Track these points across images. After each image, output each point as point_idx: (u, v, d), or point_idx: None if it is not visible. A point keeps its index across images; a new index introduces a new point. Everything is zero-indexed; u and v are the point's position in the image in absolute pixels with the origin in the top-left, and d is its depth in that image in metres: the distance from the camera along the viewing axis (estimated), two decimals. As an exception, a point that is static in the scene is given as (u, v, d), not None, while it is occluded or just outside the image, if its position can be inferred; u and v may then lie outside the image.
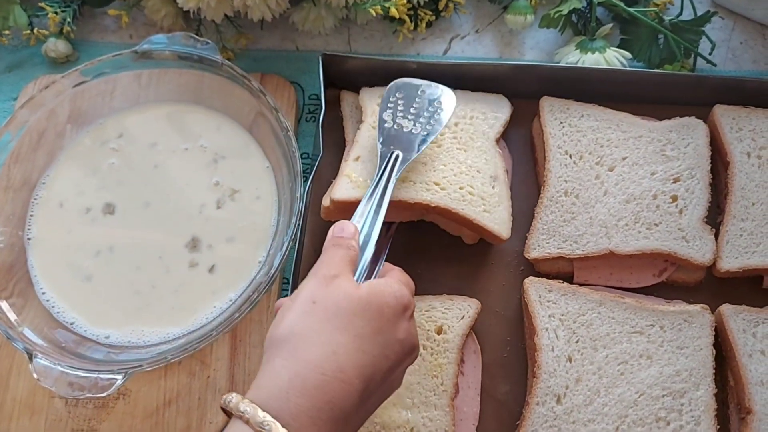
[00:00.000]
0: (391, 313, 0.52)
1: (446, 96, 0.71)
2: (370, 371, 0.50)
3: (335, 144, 0.79)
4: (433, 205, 0.69)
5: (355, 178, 0.71)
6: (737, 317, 0.66)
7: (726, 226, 0.70)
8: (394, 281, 0.55)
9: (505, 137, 0.77)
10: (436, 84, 0.72)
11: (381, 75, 0.78)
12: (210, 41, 0.74)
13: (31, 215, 0.74)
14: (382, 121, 0.69)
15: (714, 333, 0.66)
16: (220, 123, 0.77)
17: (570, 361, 0.64)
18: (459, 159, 0.72)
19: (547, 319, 0.66)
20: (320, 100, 0.74)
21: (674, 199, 0.70)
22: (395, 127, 0.68)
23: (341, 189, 0.70)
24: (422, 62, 0.76)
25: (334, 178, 0.73)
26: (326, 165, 0.77)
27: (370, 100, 0.76)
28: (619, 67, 0.78)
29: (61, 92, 0.74)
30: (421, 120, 0.69)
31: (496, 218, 0.70)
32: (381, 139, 0.67)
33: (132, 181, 0.75)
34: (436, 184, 0.70)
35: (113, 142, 0.77)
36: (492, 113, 0.75)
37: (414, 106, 0.70)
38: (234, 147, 0.76)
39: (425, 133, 0.68)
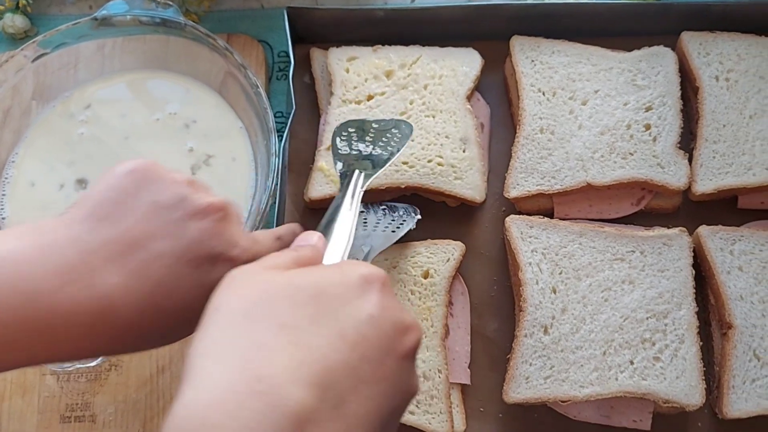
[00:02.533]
0: (341, 290, 0.38)
1: (403, 124, 0.68)
2: (322, 367, 0.34)
3: (310, 103, 0.78)
4: (404, 186, 0.71)
5: (329, 171, 0.71)
6: (714, 237, 0.67)
7: (699, 150, 0.71)
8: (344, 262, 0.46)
9: (479, 86, 0.77)
10: (390, 119, 0.71)
11: (349, 26, 0.77)
12: (171, 2, 0.73)
13: (3, 194, 0.72)
14: (336, 148, 0.66)
15: (693, 254, 0.67)
16: (189, 87, 0.76)
17: (554, 293, 0.65)
18: (427, 128, 0.73)
19: (530, 254, 0.67)
20: (289, 56, 0.74)
21: (647, 127, 0.71)
22: (353, 152, 0.66)
23: (316, 186, 0.72)
24: (389, 9, 0.75)
25: (315, 151, 0.74)
26: (302, 122, 0.77)
27: (338, 65, 0.76)
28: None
29: (21, 67, 0.72)
30: (380, 144, 0.66)
31: (468, 183, 0.71)
32: (338, 165, 0.64)
33: (103, 153, 0.74)
34: (404, 163, 0.72)
35: (81, 114, 0.75)
36: (461, 68, 0.75)
37: (369, 134, 0.68)
38: (205, 110, 0.75)
39: (386, 154, 0.65)
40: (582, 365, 0.63)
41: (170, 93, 0.76)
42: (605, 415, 0.65)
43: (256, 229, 0.67)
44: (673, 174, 0.70)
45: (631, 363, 0.63)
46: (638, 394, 0.63)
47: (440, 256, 0.69)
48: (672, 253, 0.67)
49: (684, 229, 0.68)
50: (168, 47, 0.75)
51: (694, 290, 0.66)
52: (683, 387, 0.63)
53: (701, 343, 0.65)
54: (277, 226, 0.70)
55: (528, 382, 0.63)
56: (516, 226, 0.68)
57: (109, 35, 0.75)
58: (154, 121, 0.75)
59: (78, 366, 0.62)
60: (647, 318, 0.64)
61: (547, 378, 0.63)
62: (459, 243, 0.70)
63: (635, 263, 0.66)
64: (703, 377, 0.64)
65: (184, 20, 0.73)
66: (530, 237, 0.67)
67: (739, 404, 0.63)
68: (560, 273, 0.66)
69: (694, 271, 0.67)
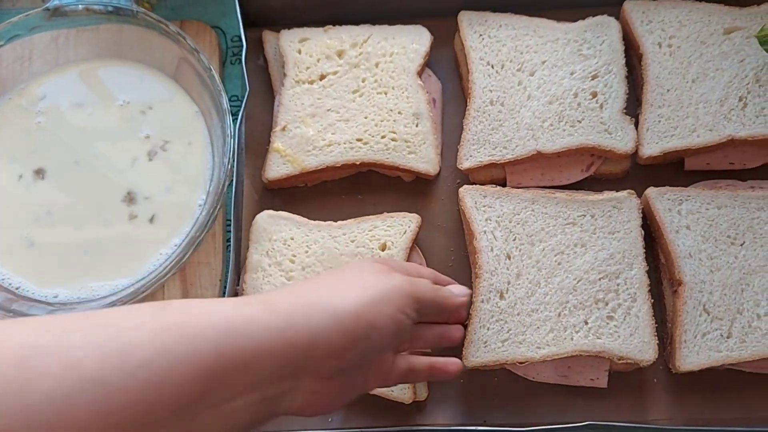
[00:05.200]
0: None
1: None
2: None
3: (264, 85, 0.80)
4: (358, 163, 0.72)
5: (285, 152, 0.72)
6: (662, 198, 0.69)
7: (644, 115, 0.72)
8: None
9: (430, 62, 0.78)
10: None
11: (300, 8, 0.79)
12: (122, -9, 0.74)
13: (-37, 188, 0.73)
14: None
15: (642, 216, 0.69)
16: (143, 75, 0.77)
17: (509, 259, 0.67)
18: (380, 105, 0.74)
19: (484, 222, 0.68)
20: (242, 40, 0.74)
21: (594, 95, 0.73)
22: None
23: (273, 167, 0.73)
24: (338, -13, 0.76)
25: (270, 132, 0.75)
26: (257, 105, 0.78)
27: (291, 46, 0.77)
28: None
29: (-25, 60, 0.73)
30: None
31: (422, 157, 0.73)
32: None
33: (60, 142, 0.75)
34: (359, 140, 0.73)
35: (37, 106, 0.76)
36: (412, 45, 0.76)
37: None
38: (160, 97, 0.76)
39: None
40: (538, 327, 0.65)
41: (125, 81, 0.77)
42: (563, 375, 0.67)
43: (214, 212, 0.68)
44: (620, 139, 0.72)
45: (586, 323, 0.65)
46: (593, 353, 0.64)
47: (397, 228, 0.71)
48: (621, 215, 0.68)
49: (632, 191, 0.70)
50: (121, 36, 0.76)
51: (644, 250, 0.68)
52: (637, 344, 0.65)
53: (653, 301, 0.67)
54: (234, 206, 0.71)
55: (486, 346, 0.65)
56: (470, 195, 0.69)
57: (62, 26, 0.75)
58: (109, 110, 0.76)
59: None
60: (599, 279, 0.66)
61: (504, 341, 0.65)
62: (415, 215, 0.71)
63: (586, 227, 0.68)
64: (656, 334, 0.66)
65: (137, 8, 0.74)
66: (484, 206, 0.69)
67: (691, 358, 0.65)
68: (514, 239, 0.67)
69: (643, 232, 0.69)
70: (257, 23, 0.80)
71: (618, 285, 0.66)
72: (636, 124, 0.73)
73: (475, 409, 0.68)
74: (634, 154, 0.72)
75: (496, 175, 0.73)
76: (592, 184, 0.74)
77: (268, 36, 0.79)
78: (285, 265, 0.70)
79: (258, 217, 0.72)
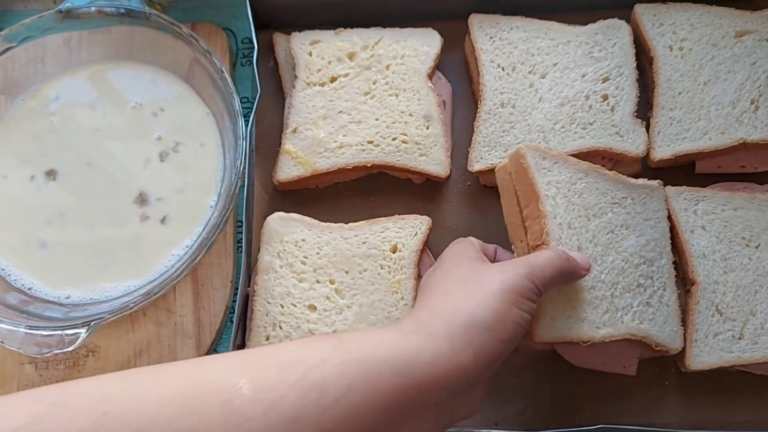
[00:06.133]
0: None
1: None
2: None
3: (275, 88, 0.80)
4: (369, 165, 0.73)
5: (296, 153, 0.73)
6: (679, 197, 0.69)
7: (656, 118, 0.73)
8: None
9: (440, 65, 0.79)
10: None
11: (311, 10, 0.79)
12: (134, -7, 0.74)
13: (-24, 188, 0.73)
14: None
15: (666, 208, 0.68)
16: (155, 76, 0.77)
17: (570, 229, 0.63)
18: (391, 107, 0.74)
19: (546, 186, 0.63)
20: (253, 42, 0.75)
21: (605, 97, 0.73)
22: None
23: (284, 169, 0.74)
24: (349, -10, 0.77)
25: (281, 134, 0.76)
26: (268, 107, 0.78)
27: (301, 49, 0.77)
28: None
29: (-12, 61, 0.74)
30: None
31: (433, 159, 0.73)
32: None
33: (72, 144, 0.75)
34: (370, 142, 0.73)
35: (50, 107, 0.76)
36: (423, 48, 0.77)
37: None
38: (172, 99, 0.76)
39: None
40: (596, 306, 0.61)
41: (137, 83, 0.77)
42: (602, 361, 0.66)
43: (226, 213, 0.68)
44: (631, 142, 0.72)
45: (632, 306, 0.62)
46: (638, 337, 0.62)
47: (408, 230, 0.71)
48: (653, 203, 0.67)
49: (661, 182, 0.69)
50: (133, 38, 0.76)
51: (671, 242, 0.67)
52: (669, 332, 0.64)
53: (678, 291, 0.66)
54: (246, 207, 0.71)
55: (553, 322, 0.60)
56: (531, 155, 0.63)
57: (74, 28, 0.75)
58: (121, 112, 0.76)
59: (56, 351, 0.63)
60: (641, 264, 0.64)
61: (569, 317, 0.60)
62: (426, 217, 0.71)
63: (629, 209, 0.65)
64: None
65: (149, 10, 0.74)
66: (544, 168, 0.64)
67: (702, 357, 0.65)
68: (573, 209, 0.63)
69: (669, 224, 0.68)
70: (268, 25, 0.80)
71: (653, 272, 0.65)
72: (647, 127, 0.73)
73: (487, 411, 0.68)
74: (645, 157, 0.72)
75: (507, 177, 0.74)
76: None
77: (278, 38, 0.80)
78: (296, 267, 0.70)
79: (269, 218, 0.72)
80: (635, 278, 0.64)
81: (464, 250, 0.59)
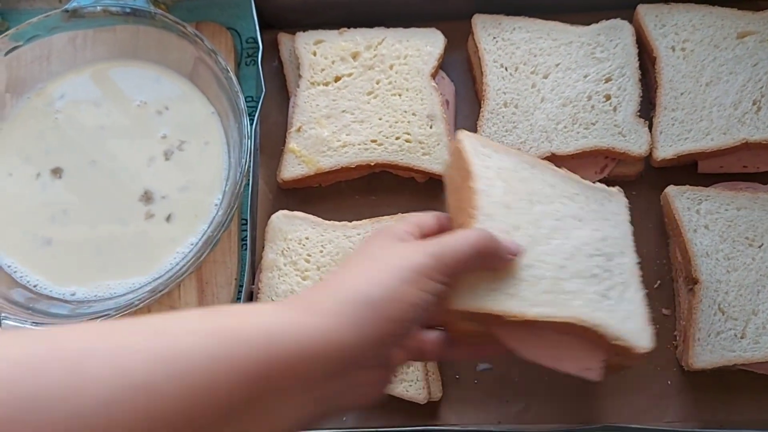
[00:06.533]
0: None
1: None
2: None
3: (279, 87, 0.80)
4: (373, 164, 0.73)
5: (300, 152, 0.73)
6: (682, 197, 0.70)
7: (658, 118, 0.73)
8: None
9: (444, 65, 0.79)
10: None
11: (315, 10, 0.79)
12: (140, -8, 0.74)
13: (-18, 186, 0.74)
14: None
15: (629, 214, 0.64)
16: (160, 75, 0.78)
17: (508, 209, 0.58)
18: (395, 106, 0.75)
19: (483, 168, 0.59)
20: (257, 42, 0.75)
21: (608, 97, 0.73)
22: None
23: (288, 168, 0.74)
24: (353, -9, 0.77)
25: (285, 133, 0.76)
26: (272, 106, 0.79)
27: (306, 48, 0.77)
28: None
29: (-6, 60, 0.74)
30: None
31: (436, 158, 0.73)
32: None
33: (77, 142, 0.75)
34: (373, 141, 0.74)
35: (55, 105, 0.77)
36: (426, 48, 0.77)
37: None
38: (176, 97, 0.77)
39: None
40: (534, 284, 0.57)
41: (142, 81, 0.77)
42: (558, 359, 0.60)
43: (231, 211, 0.68)
44: (634, 142, 0.72)
45: (584, 293, 0.58)
46: (590, 326, 0.57)
47: (411, 229, 0.71)
48: (613, 206, 0.64)
49: (621, 189, 0.65)
50: (138, 37, 0.77)
51: (634, 246, 0.62)
52: (631, 328, 0.58)
53: (646, 291, 0.61)
54: (250, 206, 0.71)
55: (474, 292, 0.55)
56: (469, 141, 0.60)
57: (80, 27, 0.76)
58: (126, 110, 0.76)
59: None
60: (596, 255, 0.60)
61: (495, 290, 0.55)
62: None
63: (582, 205, 0.62)
64: (653, 324, 0.60)
65: (154, 9, 0.74)
66: (483, 154, 0.61)
67: (704, 356, 0.65)
68: (514, 194, 0.60)
69: (632, 228, 0.63)
70: (272, 25, 0.80)
71: (612, 267, 0.60)
72: (650, 127, 0.73)
73: (490, 409, 0.69)
74: (648, 157, 0.73)
75: (510, 176, 0.74)
76: (606, 185, 0.74)
77: (283, 38, 0.80)
78: (300, 265, 0.70)
79: (273, 216, 0.72)
80: (589, 267, 0.59)
81: (390, 228, 0.53)
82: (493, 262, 0.54)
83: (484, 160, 0.61)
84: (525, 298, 0.57)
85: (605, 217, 0.63)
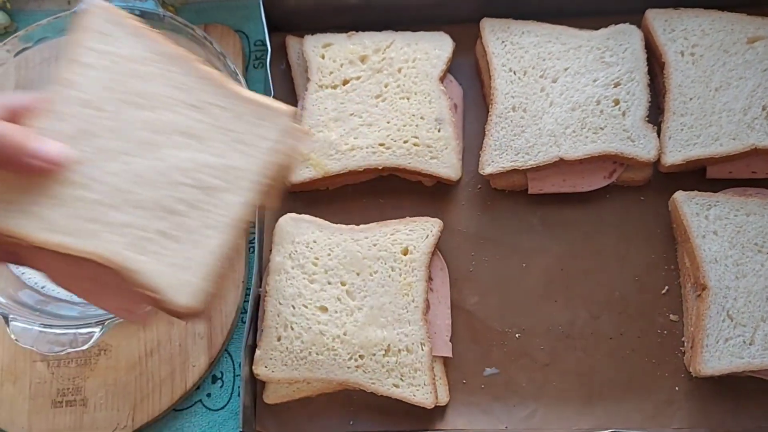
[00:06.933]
0: None
1: None
2: None
3: (287, 90, 0.80)
4: (381, 167, 0.73)
5: (308, 155, 0.73)
6: (690, 202, 0.69)
7: (667, 123, 0.73)
8: None
9: (452, 68, 0.79)
10: None
11: (323, 13, 0.79)
12: (149, -5, 0.75)
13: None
14: None
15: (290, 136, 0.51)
16: (169, 77, 0.77)
17: (90, 109, 0.49)
18: (402, 110, 0.75)
19: (91, 52, 0.50)
20: (266, 45, 0.75)
21: (616, 102, 0.73)
22: None
23: (296, 171, 0.73)
24: (362, -5, 0.77)
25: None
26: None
27: (314, 52, 0.77)
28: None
29: (4, 62, 0.74)
30: None
31: (444, 162, 0.73)
32: None
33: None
34: (381, 145, 0.74)
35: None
36: (434, 51, 0.77)
37: None
38: (185, 99, 0.76)
39: None
40: (64, 206, 0.48)
41: (150, 84, 0.77)
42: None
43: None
44: (642, 147, 0.72)
45: (130, 227, 0.48)
46: (115, 265, 0.47)
47: (419, 232, 0.71)
48: (263, 130, 0.51)
49: (293, 109, 0.52)
50: (147, 39, 0.76)
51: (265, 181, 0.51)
52: (177, 279, 0.48)
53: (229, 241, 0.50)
54: (258, 210, 0.71)
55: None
56: (98, 11, 0.51)
57: (89, 29, 0.76)
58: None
59: (69, 350, 0.63)
60: (189, 185, 0.49)
61: (8, 202, 0.47)
62: (437, 220, 0.72)
63: (213, 120, 0.50)
64: (660, 330, 0.64)
65: (163, 11, 0.74)
66: (105, 33, 0.51)
67: (712, 362, 0.65)
68: (113, 90, 0.50)
69: (276, 161, 0.50)
70: (280, 28, 0.80)
71: (203, 203, 0.49)
72: (658, 132, 0.73)
73: (497, 414, 0.68)
74: (656, 162, 0.72)
75: (518, 180, 0.74)
76: (614, 190, 0.75)
77: (291, 41, 0.80)
78: (308, 268, 0.70)
79: (281, 219, 0.72)
80: (164, 198, 0.48)
81: None
82: (12, 164, 0.45)
83: (102, 40, 0.50)
84: (48, 221, 0.47)
85: (243, 140, 0.50)
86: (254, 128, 0.50)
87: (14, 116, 0.46)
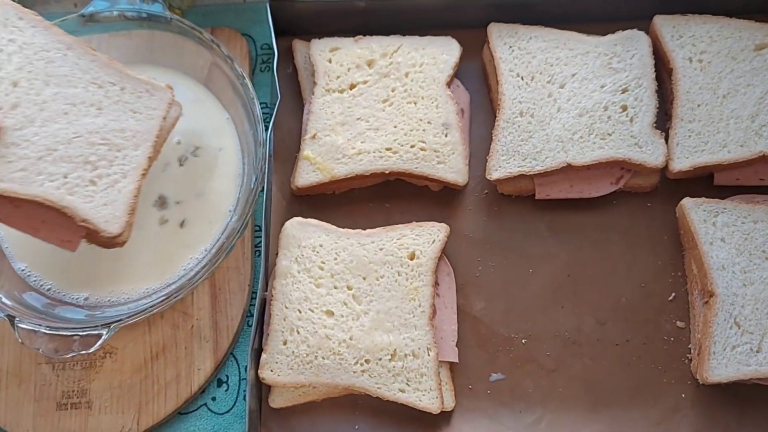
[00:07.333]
0: None
1: None
2: None
3: (293, 94, 0.80)
4: (387, 171, 0.73)
5: (315, 159, 0.73)
6: (698, 209, 0.69)
7: (675, 129, 0.73)
8: None
9: (459, 73, 0.79)
10: None
11: (330, 17, 0.79)
12: (157, -1, 0.75)
13: None
14: None
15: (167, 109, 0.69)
16: (174, 80, 0.77)
17: (16, 86, 0.63)
18: (410, 114, 0.74)
19: (6, 42, 0.64)
20: (272, 48, 0.75)
21: (624, 108, 0.73)
22: None
23: (302, 175, 0.74)
24: (370, 0, 0.77)
25: (300, 140, 0.76)
26: (286, 113, 0.79)
27: (321, 56, 0.77)
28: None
29: (10, 64, 0.74)
30: None
31: (451, 167, 0.73)
32: None
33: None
34: (388, 149, 0.73)
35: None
36: (441, 56, 0.77)
37: None
38: (191, 102, 0.76)
39: None
40: (10, 162, 0.61)
41: (157, 86, 0.77)
42: (34, 228, 0.65)
43: (246, 217, 0.68)
44: (650, 153, 0.72)
45: (63, 176, 0.62)
46: (57, 205, 0.61)
47: (425, 237, 0.71)
48: (151, 101, 0.68)
49: (171, 87, 0.69)
50: (154, 42, 0.77)
51: (152, 142, 0.67)
52: (106, 214, 0.63)
53: (139, 185, 0.65)
54: (264, 212, 0.71)
55: None
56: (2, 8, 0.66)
57: (95, 31, 0.76)
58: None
59: (74, 353, 0.63)
60: (101, 144, 0.64)
61: None
62: (443, 225, 0.71)
63: (112, 94, 0.66)
64: (667, 337, 0.65)
65: (170, 14, 0.74)
66: (14, 27, 0.65)
67: (719, 370, 0.65)
68: (29, 72, 0.64)
69: (163, 124, 0.68)
70: (287, 32, 0.80)
71: (115, 158, 0.65)
72: (666, 139, 0.73)
73: (503, 420, 0.68)
74: (664, 169, 0.72)
75: (525, 186, 0.74)
76: (621, 196, 0.74)
77: (298, 45, 0.80)
78: (314, 272, 0.70)
79: (288, 223, 0.72)
80: (85, 154, 0.64)
81: None
82: None
83: (11, 33, 0.64)
84: (0, 175, 0.60)
85: (135, 110, 0.67)
86: (144, 100, 0.68)
87: None
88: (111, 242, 0.64)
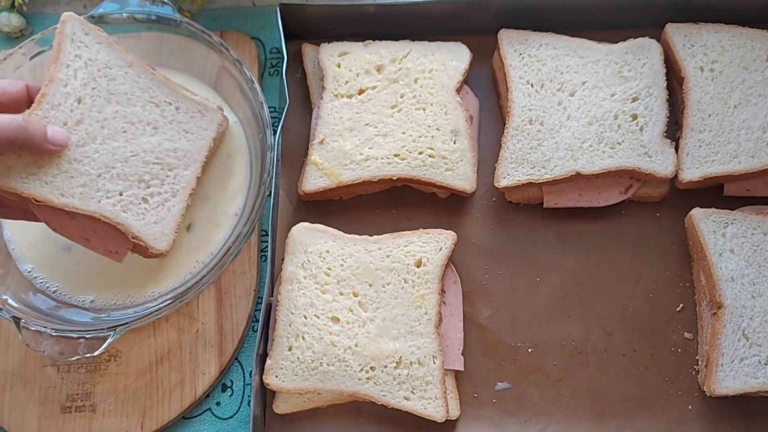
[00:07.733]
0: None
1: None
2: None
3: (302, 98, 0.80)
4: (395, 178, 0.73)
5: (322, 165, 0.73)
6: (707, 219, 0.69)
7: (685, 139, 0.72)
8: None
9: (468, 79, 0.78)
10: None
11: (340, 21, 0.79)
12: (166, 1, 0.74)
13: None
14: None
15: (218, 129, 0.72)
16: (183, 83, 0.77)
17: (78, 102, 0.64)
18: (418, 121, 0.74)
19: (72, 57, 0.66)
20: (281, 52, 0.75)
21: (634, 117, 0.73)
22: None
23: (310, 180, 0.74)
24: (379, 4, 0.77)
25: (308, 145, 0.76)
26: (295, 117, 0.79)
27: (330, 60, 0.77)
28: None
29: (19, 65, 0.73)
30: None
31: (459, 174, 0.73)
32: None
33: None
34: (396, 155, 0.73)
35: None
36: (451, 62, 0.77)
37: None
38: (200, 106, 0.77)
39: None
40: (72, 177, 0.63)
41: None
42: (85, 238, 0.65)
43: (253, 222, 0.68)
44: (660, 163, 0.71)
45: (119, 193, 0.65)
46: (112, 221, 0.64)
47: (433, 245, 0.70)
48: (202, 122, 0.70)
49: (220, 108, 0.72)
50: (163, 44, 0.77)
51: (205, 159, 0.71)
52: (156, 232, 0.66)
53: (188, 204, 0.69)
54: (271, 217, 0.71)
55: (9, 171, 0.61)
56: (72, 22, 0.67)
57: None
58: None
59: (80, 356, 0.63)
60: (155, 163, 0.67)
61: (29, 174, 0.62)
62: (451, 232, 0.71)
63: (167, 114, 0.69)
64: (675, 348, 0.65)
65: (180, 17, 0.74)
66: (80, 42, 0.66)
67: (727, 382, 0.64)
68: (93, 88, 0.66)
69: (212, 145, 0.71)
70: (296, 36, 0.80)
71: (167, 177, 0.67)
72: (676, 148, 0.72)
73: (508, 429, 0.68)
74: (673, 178, 0.72)
75: (533, 194, 0.73)
76: (630, 206, 0.74)
77: (307, 49, 0.80)
78: (320, 278, 0.70)
79: (294, 229, 0.72)
80: (140, 173, 0.66)
81: None
82: (29, 149, 0.60)
83: (78, 48, 0.66)
84: (58, 187, 0.63)
85: (188, 130, 0.69)
86: (196, 120, 0.70)
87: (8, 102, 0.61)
88: (157, 255, 0.67)
